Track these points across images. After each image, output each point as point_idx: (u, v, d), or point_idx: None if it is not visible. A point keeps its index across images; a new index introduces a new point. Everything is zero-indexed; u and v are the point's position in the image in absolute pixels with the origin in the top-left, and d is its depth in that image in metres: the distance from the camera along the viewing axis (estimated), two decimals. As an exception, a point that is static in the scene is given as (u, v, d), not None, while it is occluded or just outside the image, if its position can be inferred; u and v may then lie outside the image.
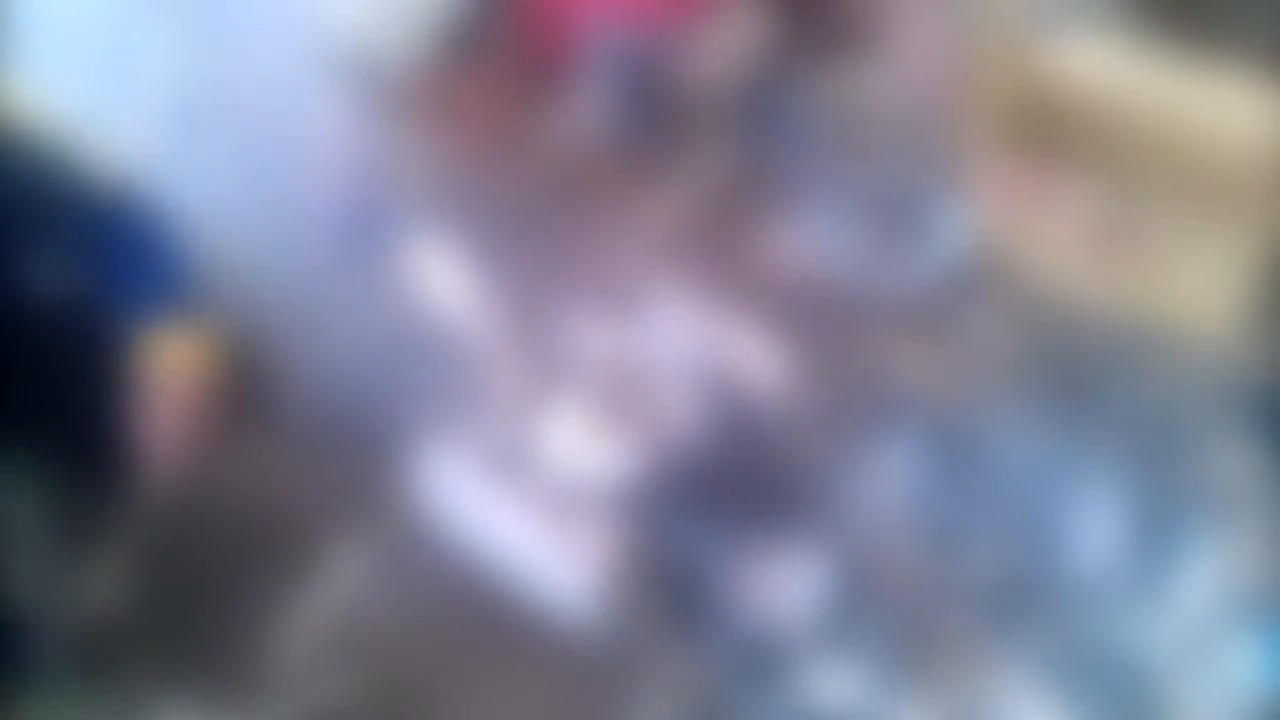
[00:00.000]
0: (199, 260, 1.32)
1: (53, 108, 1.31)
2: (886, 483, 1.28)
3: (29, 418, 1.26)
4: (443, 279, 1.35)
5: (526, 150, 1.37)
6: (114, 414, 1.29)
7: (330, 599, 1.27)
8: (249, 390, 1.31)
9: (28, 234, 1.27)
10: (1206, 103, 1.31)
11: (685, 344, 1.32)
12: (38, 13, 1.37)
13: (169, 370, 1.29)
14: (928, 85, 1.36)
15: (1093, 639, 1.23)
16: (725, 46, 1.38)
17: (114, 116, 1.34)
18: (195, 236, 1.32)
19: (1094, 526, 1.26)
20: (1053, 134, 1.33)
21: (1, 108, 1.30)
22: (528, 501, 1.30)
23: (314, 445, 1.31)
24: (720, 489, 1.29)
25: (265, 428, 1.31)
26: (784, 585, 1.26)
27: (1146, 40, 1.33)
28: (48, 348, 1.26)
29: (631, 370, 1.32)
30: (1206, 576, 1.24)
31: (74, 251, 1.28)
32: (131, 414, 1.28)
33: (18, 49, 1.33)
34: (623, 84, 1.39)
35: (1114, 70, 1.32)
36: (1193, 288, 1.31)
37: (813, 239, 1.34)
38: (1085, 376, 1.30)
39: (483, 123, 1.40)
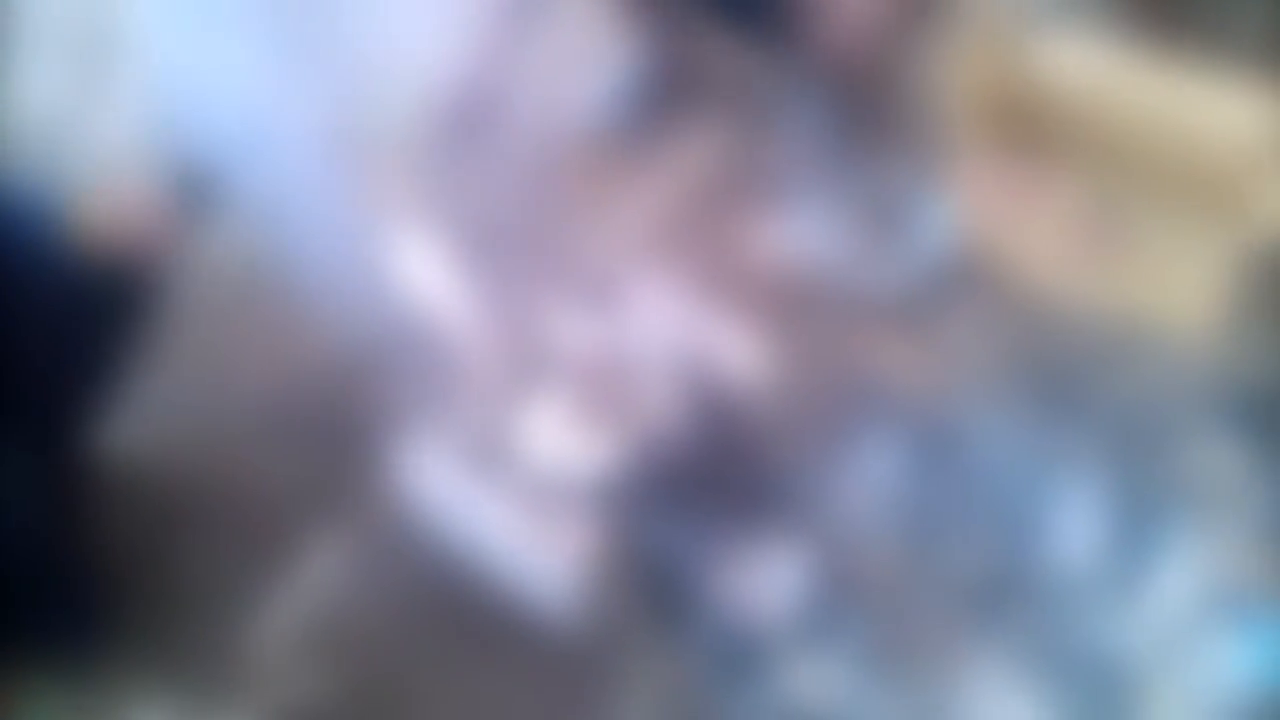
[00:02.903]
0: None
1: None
2: (869, 480, 1.28)
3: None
4: (421, 267, 1.34)
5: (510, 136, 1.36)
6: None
7: (306, 593, 1.26)
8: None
9: None
10: (1192, 101, 1.31)
11: (668, 338, 1.31)
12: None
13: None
14: (911, 82, 1.36)
15: (1074, 637, 1.24)
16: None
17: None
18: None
19: (1076, 524, 1.26)
20: (1038, 132, 1.33)
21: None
22: (508, 495, 1.29)
23: (290, 436, 1.30)
24: (702, 484, 1.28)
25: (240, 414, 1.30)
26: (765, 581, 1.26)
27: (1132, 38, 1.33)
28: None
29: (613, 363, 1.31)
30: (1188, 575, 1.24)
31: None
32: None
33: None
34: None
35: (1099, 68, 1.33)
36: (1178, 286, 1.31)
37: (797, 235, 1.34)
38: (1069, 374, 1.30)
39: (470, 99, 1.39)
